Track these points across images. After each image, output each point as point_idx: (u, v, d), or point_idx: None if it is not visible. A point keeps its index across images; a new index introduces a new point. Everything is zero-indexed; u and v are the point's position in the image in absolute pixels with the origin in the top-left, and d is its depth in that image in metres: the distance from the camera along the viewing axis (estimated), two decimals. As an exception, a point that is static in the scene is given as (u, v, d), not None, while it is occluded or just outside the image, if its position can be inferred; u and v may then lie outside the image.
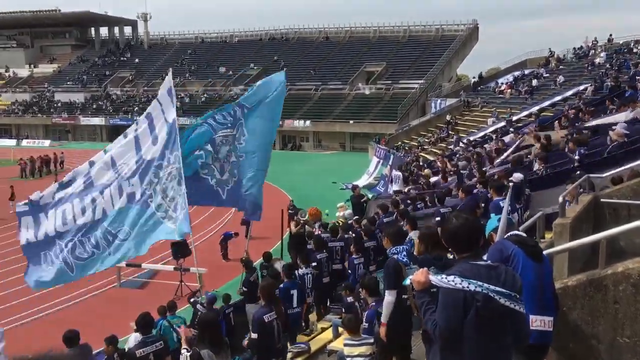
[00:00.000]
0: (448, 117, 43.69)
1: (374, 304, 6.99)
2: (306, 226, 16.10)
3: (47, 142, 64.16)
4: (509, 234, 4.23)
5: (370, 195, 24.46)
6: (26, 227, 9.62)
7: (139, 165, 9.50)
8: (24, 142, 65.23)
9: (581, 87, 28.86)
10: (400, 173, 25.57)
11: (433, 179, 18.81)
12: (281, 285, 9.09)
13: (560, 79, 35.70)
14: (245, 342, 6.87)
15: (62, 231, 9.44)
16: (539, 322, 4.07)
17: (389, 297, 5.82)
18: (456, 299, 3.08)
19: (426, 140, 41.61)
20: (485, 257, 3.99)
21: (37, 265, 9.43)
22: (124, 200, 9.38)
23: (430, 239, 5.79)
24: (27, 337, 12.07)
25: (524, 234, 4.49)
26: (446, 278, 3.13)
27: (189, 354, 6.29)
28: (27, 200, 9.85)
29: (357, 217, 16.06)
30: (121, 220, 9.31)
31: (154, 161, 9.46)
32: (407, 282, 3.50)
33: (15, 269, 16.64)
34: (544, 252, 4.42)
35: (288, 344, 9.26)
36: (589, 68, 34.72)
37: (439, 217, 10.76)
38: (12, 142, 64.31)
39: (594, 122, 15.21)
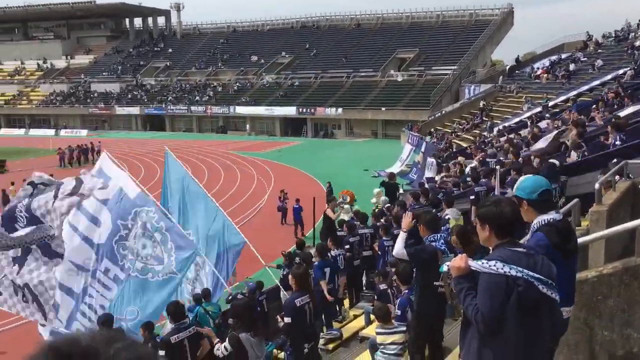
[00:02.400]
0: (482, 104, 43.05)
1: (406, 291, 6.99)
2: (342, 213, 16.27)
3: (84, 132, 65.42)
4: (550, 218, 3.95)
5: (403, 183, 24.38)
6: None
7: (100, 251, 9.02)
8: (62, 132, 66.61)
9: (620, 71, 28.11)
10: (434, 160, 25.39)
11: (468, 167, 18.58)
12: (315, 264, 9.30)
13: (599, 62, 34.79)
14: (280, 324, 6.96)
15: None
16: (565, 313, 4.02)
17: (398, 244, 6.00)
18: (498, 284, 3.07)
19: (459, 126, 41.12)
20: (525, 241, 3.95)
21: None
22: (114, 286, 8.99)
23: (464, 238, 5.74)
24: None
25: (561, 223, 4.24)
26: (487, 263, 3.12)
27: (225, 343, 6.40)
28: None
29: (388, 205, 16.05)
30: (121, 304, 8.94)
31: (113, 237, 9.00)
32: (445, 268, 3.49)
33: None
34: (579, 240, 4.33)
35: (324, 329, 9.38)
36: (629, 52, 33.73)
37: (473, 196, 10.70)
38: (50, 132, 65.86)
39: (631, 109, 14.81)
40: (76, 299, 8.92)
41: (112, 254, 8.96)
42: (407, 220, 6.22)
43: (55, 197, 8.82)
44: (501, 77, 49.31)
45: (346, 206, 18.83)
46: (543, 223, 3.84)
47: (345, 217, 17.04)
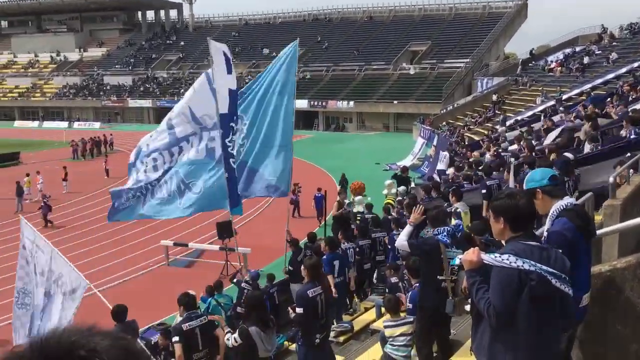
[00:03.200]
0: (494, 97, 42.76)
1: (417, 284, 6.98)
2: (351, 206, 16.25)
3: (97, 124, 65.88)
4: (566, 203, 4.00)
5: (415, 177, 24.32)
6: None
7: (220, 121, 9.31)
8: (75, 125, 67.10)
9: (635, 64, 27.79)
10: (447, 153, 25.33)
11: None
12: (324, 257, 9.26)
13: (614, 56, 34.41)
14: (292, 315, 6.98)
15: (151, 176, 9.64)
16: (586, 300, 4.00)
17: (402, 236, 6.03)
18: (511, 277, 3.07)
19: (472, 120, 40.89)
20: (545, 231, 3.94)
21: (117, 201, 9.65)
22: (203, 151, 9.37)
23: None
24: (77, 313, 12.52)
25: (579, 207, 4.29)
26: (500, 257, 3.11)
27: (235, 334, 6.44)
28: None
29: (399, 198, 16.03)
30: (195, 173, 9.36)
31: (229, 120, 9.34)
32: (457, 261, 3.48)
33: (69, 247, 17.29)
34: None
35: (334, 322, 9.40)
36: (644, 44, 33.35)
37: (485, 190, 10.63)
38: (64, 125, 66.31)
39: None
40: (173, 141, 9.59)
41: (226, 131, 9.21)
42: (416, 214, 6.20)
43: None
44: (520, 67, 48.74)
45: (358, 197, 18.85)
46: (562, 208, 3.89)
47: (360, 208, 17.09)
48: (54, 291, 7.83)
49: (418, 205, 6.54)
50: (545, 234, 3.98)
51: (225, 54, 9.76)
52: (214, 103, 9.21)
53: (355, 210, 17.31)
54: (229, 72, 9.60)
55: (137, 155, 9.93)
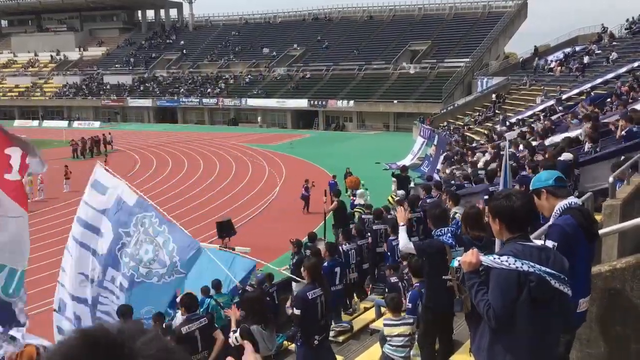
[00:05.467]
0: (493, 96, 42.75)
1: (417, 284, 6.99)
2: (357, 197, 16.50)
3: (97, 124, 65.81)
4: (570, 202, 4.03)
5: (415, 177, 24.34)
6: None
7: (102, 261, 8.98)
8: (75, 124, 67.03)
9: (635, 64, 27.80)
10: (447, 153, 25.36)
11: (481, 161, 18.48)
12: (325, 264, 9.20)
13: (613, 55, 34.41)
14: (289, 311, 6.97)
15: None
16: (584, 305, 4.01)
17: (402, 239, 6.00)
18: (510, 279, 3.06)
19: (472, 119, 40.88)
20: (548, 234, 3.95)
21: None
22: (121, 294, 8.93)
23: (470, 220, 5.78)
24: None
25: (583, 207, 4.35)
26: (499, 258, 3.11)
27: (237, 334, 6.43)
28: None
29: (398, 198, 16.01)
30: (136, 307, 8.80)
31: (115, 246, 8.97)
32: (455, 264, 3.48)
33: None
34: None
35: (332, 322, 9.39)
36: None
37: (487, 195, 10.60)
38: (63, 124, 66.30)
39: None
40: (91, 307, 9.03)
41: (115, 262, 8.93)
42: (401, 213, 6.21)
43: None
44: (536, 59, 48.52)
45: (359, 191, 18.96)
46: (566, 207, 3.93)
47: (361, 201, 17.16)
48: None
49: (400, 206, 6.58)
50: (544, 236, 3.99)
51: (95, 182, 9.39)
52: (89, 255, 8.94)
53: (356, 202, 17.50)
54: (103, 192, 9.22)
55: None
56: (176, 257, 8.86)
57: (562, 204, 3.96)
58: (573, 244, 3.80)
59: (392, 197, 17.47)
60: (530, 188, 4.18)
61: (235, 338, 6.49)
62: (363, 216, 14.08)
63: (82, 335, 1.02)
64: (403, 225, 6.16)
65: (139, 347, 1.02)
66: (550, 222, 4.05)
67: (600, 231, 5.26)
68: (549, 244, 3.80)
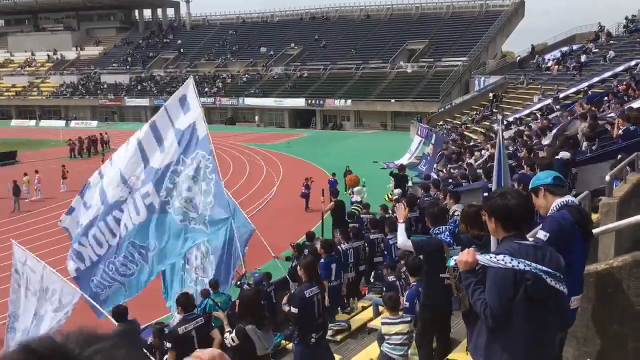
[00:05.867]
0: (491, 95, 42.79)
1: (415, 283, 6.99)
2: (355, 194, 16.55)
3: (94, 123, 65.75)
4: (567, 200, 4.08)
5: (413, 176, 24.38)
6: (72, 258, 9.57)
7: (151, 175, 9.11)
8: (72, 123, 66.90)
9: (632, 62, 27.83)
10: (444, 152, 25.40)
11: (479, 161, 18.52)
12: (321, 261, 9.21)
13: (611, 54, 34.46)
14: (285, 308, 6.96)
15: (101, 254, 9.32)
16: (575, 303, 4.03)
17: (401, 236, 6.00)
18: (507, 278, 3.06)
19: (469, 118, 40.91)
20: (542, 225, 3.99)
21: (97, 293, 9.33)
22: (144, 213, 9.06)
23: (470, 219, 5.78)
24: (76, 314, 12.52)
25: (580, 206, 4.40)
26: (495, 257, 3.11)
27: (232, 334, 6.43)
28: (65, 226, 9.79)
29: (396, 197, 16.05)
30: (144, 234, 9.08)
31: (170, 167, 9.05)
32: (452, 263, 3.48)
33: (65, 246, 17.23)
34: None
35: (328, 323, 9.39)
36: (641, 42, 33.39)
37: (486, 192, 10.60)
38: (61, 123, 66.17)
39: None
40: (106, 209, 9.07)
41: (159, 182, 8.95)
42: (401, 210, 6.20)
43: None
44: (522, 62, 48.52)
45: (357, 188, 19.00)
46: (563, 204, 3.98)
47: (358, 198, 17.20)
48: (44, 311, 7.89)
49: (400, 203, 6.57)
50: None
51: (184, 96, 9.29)
52: (143, 164, 9.00)
53: (354, 199, 17.54)
54: (186, 111, 9.15)
55: (74, 236, 9.58)
56: (209, 211, 8.85)
57: (559, 201, 4.00)
58: (569, 240, 3.82)
59: (389, 196, 17.53)
60: (529, 187, 4.23)
61: (232, 339, 6.49)
62: (362, 216, 14.08)
63: (24, 348, 0.97)
64: (402, 223, 6.15)
65: (87, 357, 0.97)
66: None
67: (597, 229, 5.27)
68: (541, 234, 3.83)
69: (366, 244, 11.32)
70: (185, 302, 7.22)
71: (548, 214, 4.03)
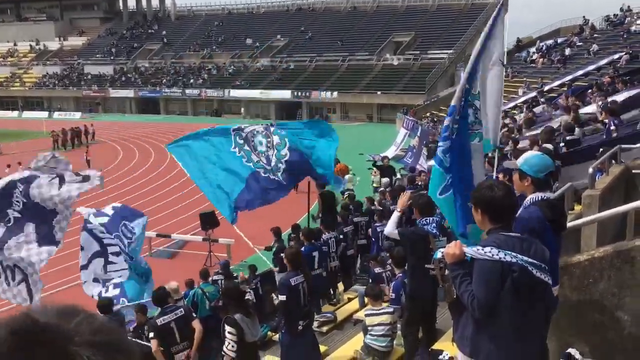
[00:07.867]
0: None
1: (400, 275, 7.05)
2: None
3: (78, 115, 65.01)
4: (539, 196, 4.00)
5: (400, 168, 24.44)
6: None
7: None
8: (56, 115, 66.07)
9: (616, 56, 28.10)
10: (430, 145, 25.44)
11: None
12: (302, 249, 9.25)
13: (594, 47, 34.76)
14: (275, 301, 7.02)
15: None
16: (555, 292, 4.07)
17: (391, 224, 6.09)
18: (493, 270, 3.11)
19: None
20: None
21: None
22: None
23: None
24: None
25: (554, 201, 4.38)
26: (482, 249, 3.15)
27: (228, 328, 6.43)
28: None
29: (382, 189, 16.12)
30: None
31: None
32: (439, 255, 3.51)
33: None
34: (572, 224, 4.39)
35: (315, 314, 9.43)
36: (625, 36, 33.71)
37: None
38: (44, 115, 65.27)
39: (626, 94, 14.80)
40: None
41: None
42: (403, 199, 6.24)
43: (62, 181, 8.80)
44: (508, 54, 48.75)
45: (347, 176, 19.07)
46: (537, 199, 3.94)
47: (350, 185, 17.27)
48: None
49: (405, 192, 6.59)
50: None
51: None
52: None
53: (345, 188, 17.58)
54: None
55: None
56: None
57: (536, 195, 3.95)
58: (540, 235, 3.81)
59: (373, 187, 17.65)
60: (518, 164, 4.09)
61: (228, 332, 6.49)
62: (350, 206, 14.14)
63: (5, 325, 0.94)
64: (399, 212, 6.18)
65: (74, 328, 0.96)
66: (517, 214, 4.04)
67: (579, 221, 5.35)
68: None
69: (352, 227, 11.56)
70: (157, 297, 7.29)
71: (518, 214, 3.98)
